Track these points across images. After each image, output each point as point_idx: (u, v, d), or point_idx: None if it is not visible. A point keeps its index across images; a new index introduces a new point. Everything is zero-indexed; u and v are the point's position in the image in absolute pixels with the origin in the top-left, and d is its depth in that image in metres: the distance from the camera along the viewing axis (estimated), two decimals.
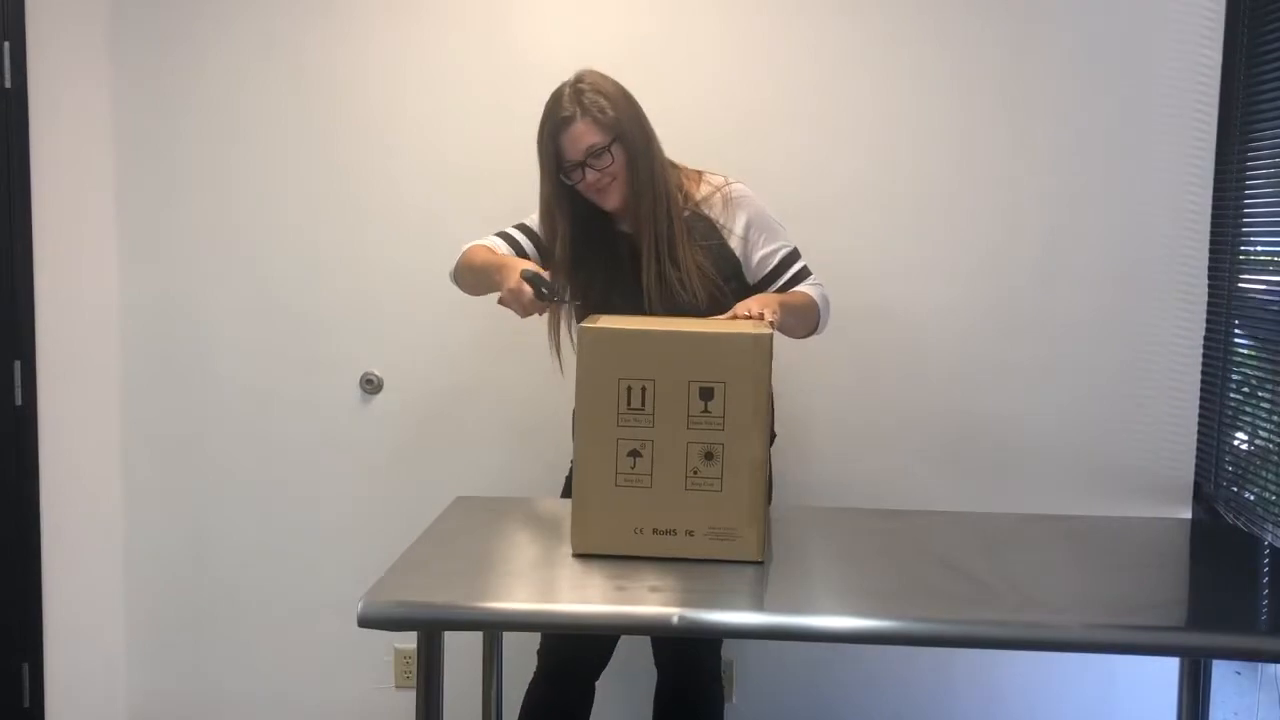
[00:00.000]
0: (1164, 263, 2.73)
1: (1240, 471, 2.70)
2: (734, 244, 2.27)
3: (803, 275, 2.31)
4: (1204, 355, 2.74)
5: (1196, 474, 2.76)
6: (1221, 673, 2.53)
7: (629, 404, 1.81)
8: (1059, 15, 2.69)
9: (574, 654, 2.32)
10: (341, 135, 2.78)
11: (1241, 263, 2.69)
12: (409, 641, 1.73)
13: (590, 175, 2.17)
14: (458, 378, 2.82)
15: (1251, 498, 2.62)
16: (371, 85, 2.76)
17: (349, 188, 2.79)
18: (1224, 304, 2.71)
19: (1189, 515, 2.73)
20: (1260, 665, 2.59)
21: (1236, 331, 2.70)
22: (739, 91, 2.73)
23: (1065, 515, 2.41)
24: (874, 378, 2.78)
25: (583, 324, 1.84)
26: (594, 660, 2.35)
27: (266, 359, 2.84)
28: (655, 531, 1.82)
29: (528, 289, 2.05)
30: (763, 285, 2.30)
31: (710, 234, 2.26)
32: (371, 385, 2.83)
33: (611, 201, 2.21)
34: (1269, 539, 2.42)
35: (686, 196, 2.27)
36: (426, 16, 2.74)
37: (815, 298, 2.30)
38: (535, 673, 2.34)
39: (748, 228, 2.27)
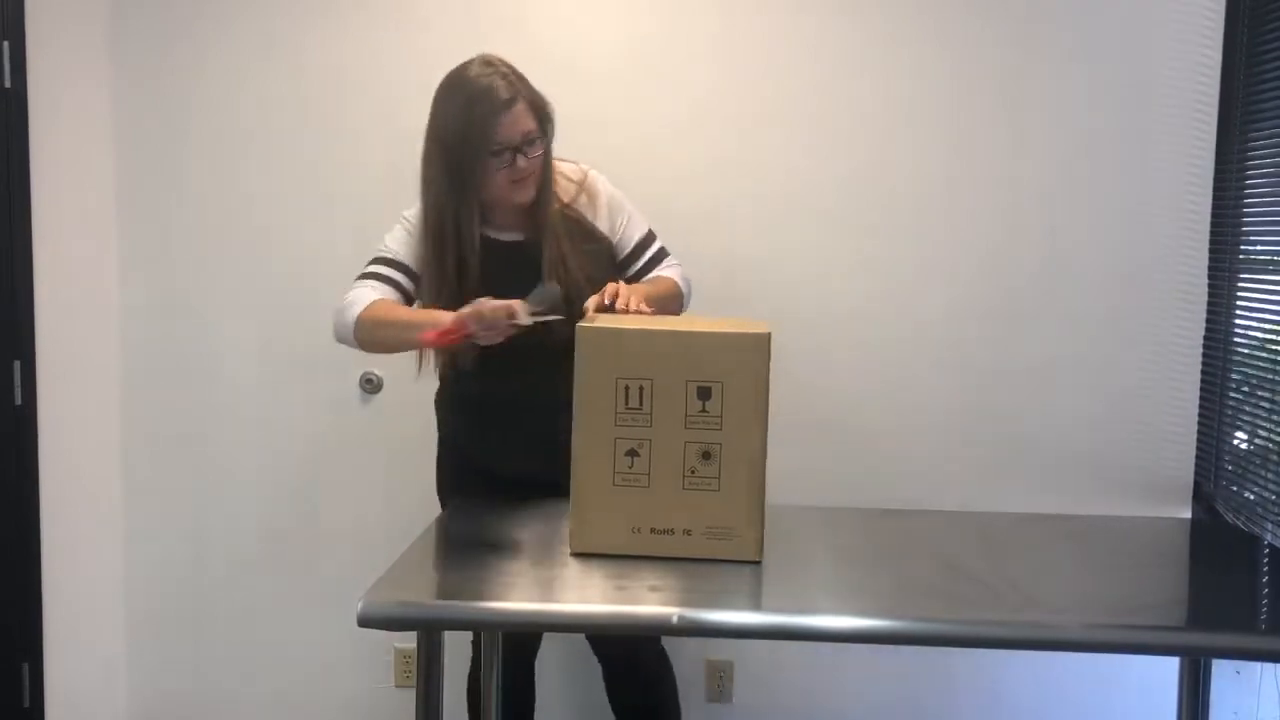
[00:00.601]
0: (1164, 262, 2.73)
1: (1240, 471, 2.70)
2: (609, 240, 2.21)
3: (661, 256, 2.27)
4: (1204, 355, 2.74)
5: (1196, 473, 2.76)
6: (1221, 672, 2.53)
7: (627, 403, 1.81)
8: (1059, 15, 2.69)
9: (509, 639, 2.33)
10: (343, 135, 2.78)
11: (1241, 262, 2.69)
12: (409, 641, 1.74)
13: (521, 161, 2.06)
14: None
15: (1251, 497, 2.61)
16: (372, 84, 2.76)
17: (349, 187, 2.79)
18: (1224, 303, 2.71)
19: (1189, 515, 2.73)
20: (1260, 665, 2.59)
21: (1236, 331, 2.70)
22: (737, 91, 2.73)
23: (1065, 515, 2.41)
24: (873, 377, 2.78)
25: (580, 324, 1.83)
26: (529, 641, 2.39)
27: (267, 359, 2.84)
28: (653, 531, 1.83)
29: (508, 306, 1.93)
30: (622, 267, 2.23)
31: (589, 237, 2.19)
32: (371, 385, 2.83)
33: (527, 194, 2.11)
34: (1269, 538, 2.42)
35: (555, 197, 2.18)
36: (428, 16, 2.74)
37: (678, 280, 2.24)
38: (471, 662, 2.35)
39: (612, 216, 2.21)
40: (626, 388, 1.80)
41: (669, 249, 2.30)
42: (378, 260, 2.21)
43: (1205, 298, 2.73)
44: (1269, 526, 2.47)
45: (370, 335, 2.12)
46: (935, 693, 2.84)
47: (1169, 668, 2.41)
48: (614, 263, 2.23)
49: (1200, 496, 2.75)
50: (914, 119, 2.72)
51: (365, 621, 1.61)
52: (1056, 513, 2.50)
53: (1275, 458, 2.51)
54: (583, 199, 2.21)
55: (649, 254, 2.25)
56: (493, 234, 2.17)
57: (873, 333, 2.76)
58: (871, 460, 2.79)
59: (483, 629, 2.27)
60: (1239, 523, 2.59)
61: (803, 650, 2.75)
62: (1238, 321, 2.69)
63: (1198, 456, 2.76)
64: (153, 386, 2.86)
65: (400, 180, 2.77)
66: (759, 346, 1.79)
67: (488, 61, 2.08)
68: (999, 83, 2.71)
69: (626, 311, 1.99)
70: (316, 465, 2.86)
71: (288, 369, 2.83)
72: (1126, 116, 2.70)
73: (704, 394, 1.80)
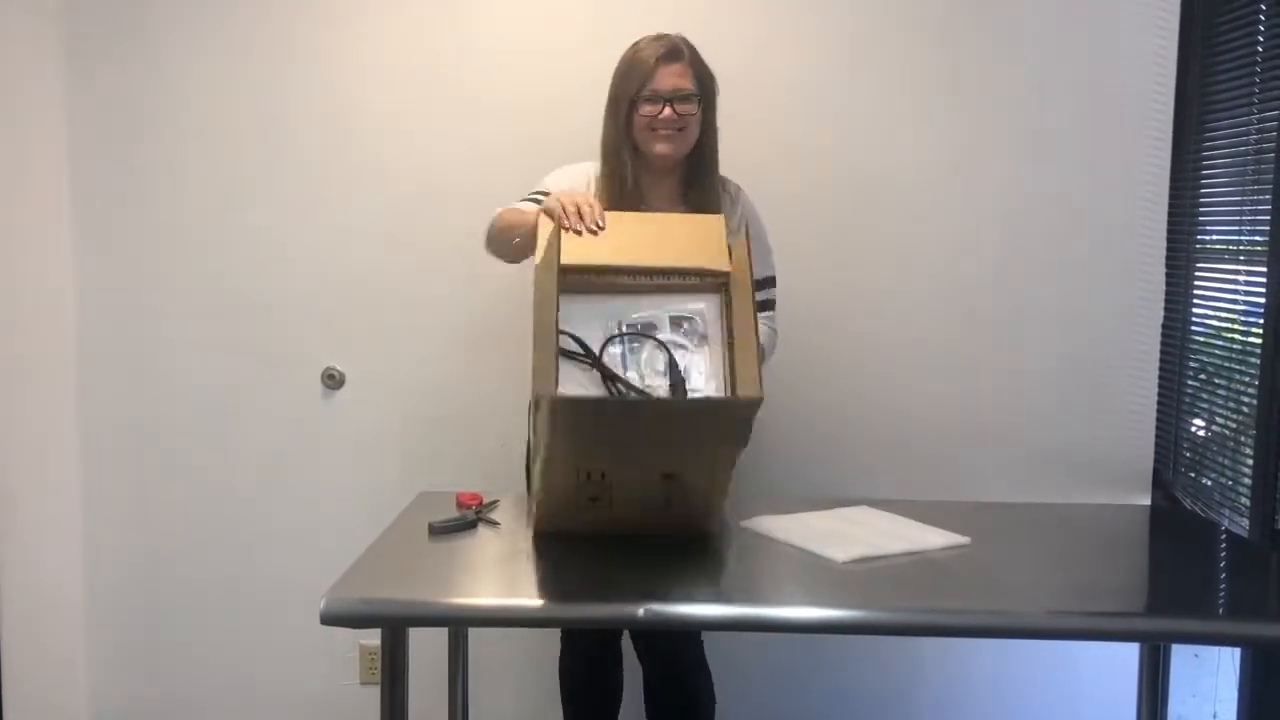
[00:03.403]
0: (1122, 251, 2.75)
1: (1198, 458, 2.74)
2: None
3: (765, 306, 2.29)
4: (1162, 343, 2.77)
5: (1156, 461, 2.79)
6: (1180, 655, 2.57)
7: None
8: (1016, 7, 2.70)
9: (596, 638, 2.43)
10: (301, 129, 2.75)
11: (1198, 251, 2.72)
12: (374, 637, 1.72)
13: (667, 111, 2.17)
14: (420, 372, 2.81)
15: (1209, 483, 2.65)
16: (332, 78, 2.73)
17: (308, 182, 2.76)
18: (1181, 292, 2.74)
19: (1148, 502, 2.76)
20: (1218, 648, 2.63)
21: (1194, 319, 2.73)
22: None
23: (1026, 503, 2.44)
24: (832, 367, 2.79)
25: (538, 300, 1.85)
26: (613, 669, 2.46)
27: (227, 355, 2.81)
28: (613, 506, 1.84)
29: (585, 195, 2.04)
30: None
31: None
32: (333, 380, 2.81)
33: (666, 147, 2.20)
34: (1226, 524, 2.45)
35: None
36: (386, 7, 2.71)
37: (763, 342, 2.24)
38: (562, 651, 2.45)
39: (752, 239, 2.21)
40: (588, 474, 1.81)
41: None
42: (531, 195, 2.29)
43: (1163, 287, 2.76)
44: (1226, 513, 2.50)
45: (496, 238, 2.27)
46: (901, 678, 2.86)
47: (1129, 651, 2.44)
48: None
49: (1159, 483, 2.78)
50: (870, 111, 2.72)
51: (328, 619, 1.59)
52: (1017, 500, 2.53)
53: (1232, 444, 2.55)
54: (729, 208, 2.27)
55: (759, 296, 2.20)
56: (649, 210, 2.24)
57: (829, 322, 2.76)
58: (831, 450, 2.80)
59: (447, 625, 2.26)
60: (1197, 509, 2.62)
61: (767, 638, 2.75)
62: (1195, 310, 2.72)
63: (1157, 444, 2.79)
64: (110, 383, 2.82)
65: (360, 174, 2.77)
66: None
67: (681, 38, 2.24)
68: (954, 74, 2.72)
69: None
70: (279, 461, 2.83)
71: (248, 365, 2.80)
72: (1083, 107, 2.72)
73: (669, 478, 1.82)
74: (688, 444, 1.77)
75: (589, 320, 1.95)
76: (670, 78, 2.19)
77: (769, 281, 2.33)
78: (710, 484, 1.84)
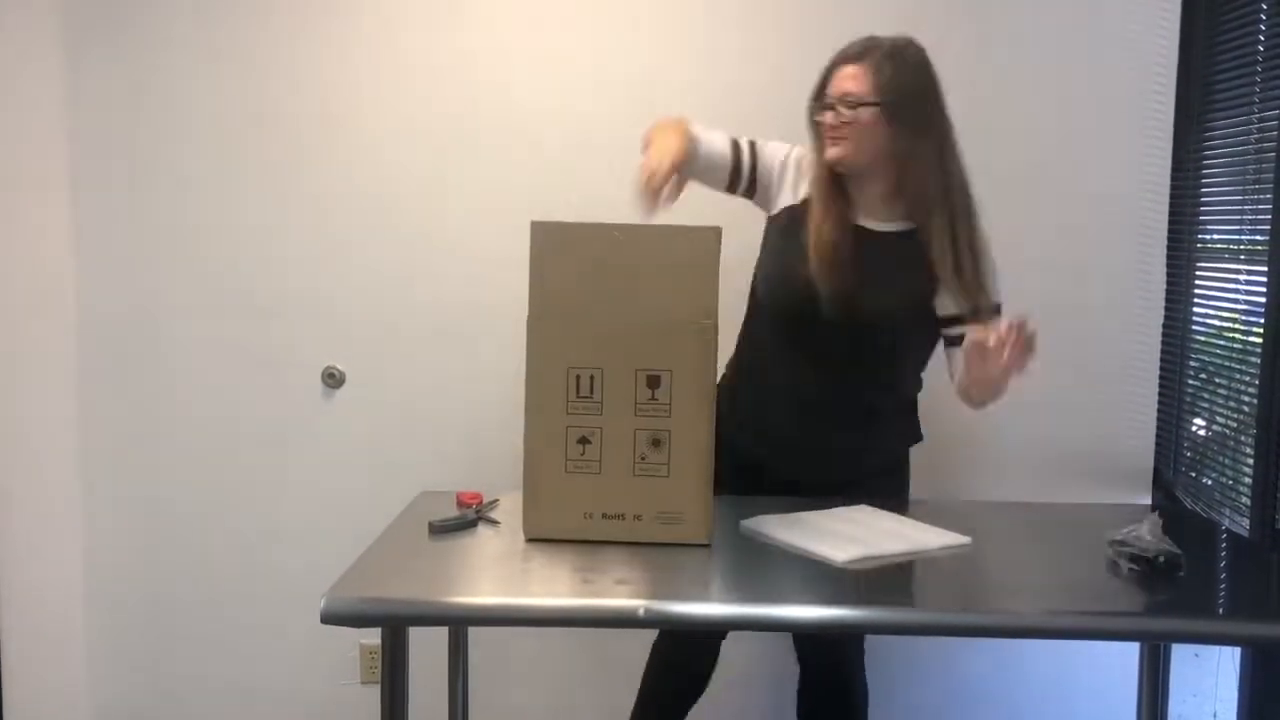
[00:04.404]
0: (1123, 250, 2.75)
1: (1198, 457, 2.74)
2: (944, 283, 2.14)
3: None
4: (1163, 342, 2.77)
5: (1156, 460, 2.79)
6: (1181, 655, 2.57)
7: (578, 393, 1.85)
8: (1015, 7, 2.70)
9: (686, 655, 2.43)
10: (302, 128, 2.74)
11: (1199, 251, 2.72)
12: (374, 637, 1.73)
13: (830, 117, 2.10)
14: (420, 371, 2.81)
15: (1209, 483, 2.65)
16: (332, 77, 2.73)
17: (308, 181, 2.76)
18: (1182, 291, 2.74)
19: (1149, 501, 2.76)
20: (1218, 648, 2.63)
21: (1194, 319, 2.73)
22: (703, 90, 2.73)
23: (1026, 502, 2.44)
24: None
25: (532, 310, 1.86)
26: (704, 655, 2.44)
27: (227, 354, 2.81)
28: (605, 516, 1.87)
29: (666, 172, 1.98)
30: (952, 322, 2.18)
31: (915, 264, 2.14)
32: (334, 379, 2.81)
33: (833, 152, 2.11)
34: (1226, 523, 2.45)
35: None
36: (387, 7, 2.71)
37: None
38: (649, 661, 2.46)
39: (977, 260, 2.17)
40: (578, 377, 1.85)
41: None
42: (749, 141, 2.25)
43: (1164, 286, 2.76)
44: (1226, 512, 2.50)
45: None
46: (899, 678, 2.86)
47: (1130, 651, 2.44)
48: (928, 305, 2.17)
49: (1160, 483, 2.78)
50: None
51: (329, 618, 1.60)
52: (1017, 500, 2.53)
53: (1232, 444, 2.55)
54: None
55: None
56: (866, 223, 2.17)
57: None
58: None
59: (447, 624, 2.27)
60: (1198, 508, 2.62)
61: (765, 637, 2.75)
62: (1195, 309, 2.72)
63: (1157, 443, 2.79)
64: (111, 383, 2.82)
65: (359, 173, 2.77)
66: (706, 337, 1.84)
67: (903, 38, 2.15)
68: (954, 69, 2.71)
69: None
70: (279, 460, 2.83)
71: (248, 364, 2.80)
72: (1084, 105, 2.72)
73: (653, 382, 1.85)
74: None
75: None
76: (842, 81, 2.10)
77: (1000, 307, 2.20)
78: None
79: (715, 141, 2.21)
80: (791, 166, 2.24)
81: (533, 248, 1.87)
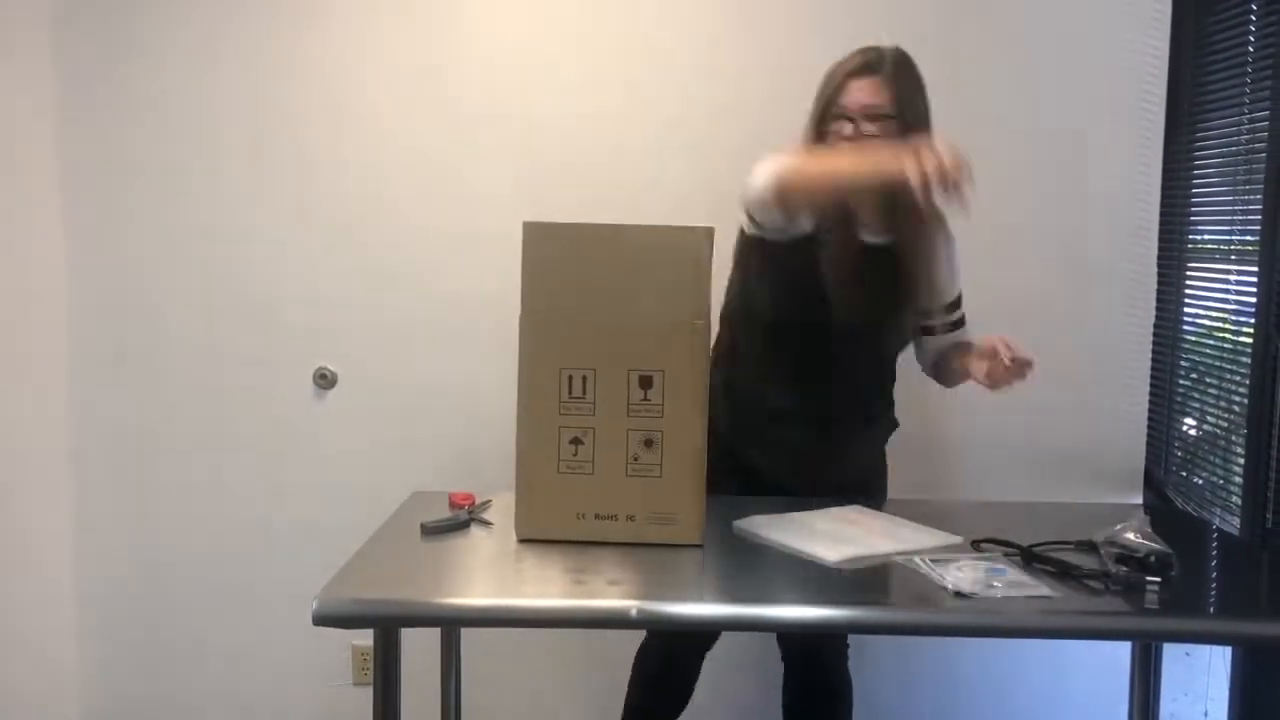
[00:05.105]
0: (1113, 250, 2.76)
1: (1189, 457, 2.75)
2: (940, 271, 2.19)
3: (964, 321, 2.29)
4: (1154, 342, 2.78)
5: (1147, 460, 2.80)
6: (1172, 655, 2.58)
7: (570, 393, 1.85)
8: (1007, 8, 2.71)
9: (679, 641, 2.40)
10: (295, 128, 2.74)
11: (1190, 251, 2.73)
12: (366, 638, 1.72)
13: (847, 130, 2.03)
14: (412, 371, 2.80)
15: (1200, 483, 2.66)
16: (325, 78, 2.73)
17: (300, 181, 2.76)
18: (1173, 292, 2.75)
19: (1140, 500, 2.77)
20: (1209, 647, 2.63)
21: (1185, 319, 2.74)
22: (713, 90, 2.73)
23: (1017, 501, 2.44)
24: None
25: (524, 310, 1.86)
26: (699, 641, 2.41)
27: (219, 354, 2.80)
28: (597, 516, 1.87)
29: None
30: (929, 314, 2.24)
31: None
32: (326, 380, 2.81)
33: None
34: (1217, 523, 2.46)
35: None
36: (383, 9, 2.71)
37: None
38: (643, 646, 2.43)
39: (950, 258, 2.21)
40: (570, 377, 1.85)
41: None
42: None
43: (1155, 286, 2.76)
44: (1217, 511, 2.51)
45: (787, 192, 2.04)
46: (891, 679, 2.86)
47: (1121, 649, 2.44)
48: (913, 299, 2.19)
49: (1151, 483, 2.79)
50: None
51: (320, 619, 1.59)
52: (1008, 499, 2.53)
53: (1223, 444, 2.55)
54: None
55: (958, 315, 2.27)
56: (865, 237, 2.14)
57: None
58: None
59: (440, 625, 2.26)
60: (1189, 508, 2.63)
61: (760, 638, 2.75)
62: (1186, 310, 2.73)
63: (1148, 443, 2.80)
64: (102, 383, 2.81)
65: (353, 173, 2.76)
66: (698, 337, 1.84)
67: (896, 49, 2.09)
68: (945, 75, 2.71)
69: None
70: (271, 461, 2.83)
71: (240, 364, 2.80)
72: (1076, 106, 2.72)
73: (646, 383, 1.85)
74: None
75: None
76: (859, 93, 2.04)
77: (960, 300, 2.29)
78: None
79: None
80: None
81: (525, 248, 1.87)
